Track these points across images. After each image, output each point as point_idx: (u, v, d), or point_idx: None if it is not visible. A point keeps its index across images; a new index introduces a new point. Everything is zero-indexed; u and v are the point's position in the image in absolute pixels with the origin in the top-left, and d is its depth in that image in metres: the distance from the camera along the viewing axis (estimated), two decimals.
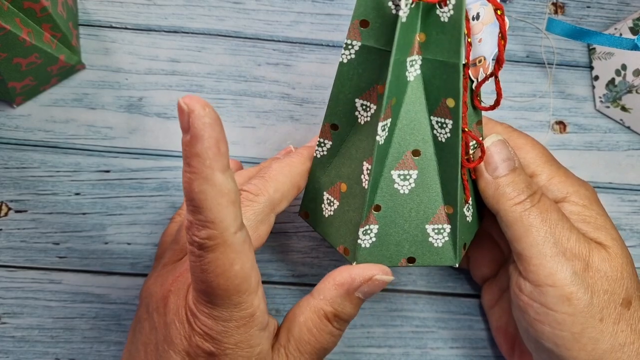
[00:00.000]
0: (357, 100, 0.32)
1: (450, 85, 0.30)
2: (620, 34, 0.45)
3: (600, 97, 0.46)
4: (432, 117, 0.31)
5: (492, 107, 0.32)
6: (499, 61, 0.30)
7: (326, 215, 0.34)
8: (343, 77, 0.31)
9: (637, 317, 0.32)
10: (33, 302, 0.40)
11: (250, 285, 0.28)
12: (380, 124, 0.30)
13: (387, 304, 0.41)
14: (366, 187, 0.31)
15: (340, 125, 0.33)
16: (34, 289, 0.40)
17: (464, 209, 0.33)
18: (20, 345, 0.39)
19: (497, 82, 0.31)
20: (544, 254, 0.31)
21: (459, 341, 0.41)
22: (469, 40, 0.29)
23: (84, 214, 0.42)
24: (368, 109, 0.32)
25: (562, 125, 0.46)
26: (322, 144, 0.34)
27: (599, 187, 0.45)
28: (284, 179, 0.34)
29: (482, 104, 0.32)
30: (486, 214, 0.35)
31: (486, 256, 0.40)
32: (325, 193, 0.34)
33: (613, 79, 0.45)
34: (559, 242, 0.31)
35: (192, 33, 0.46)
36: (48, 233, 0.41)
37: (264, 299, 0.30)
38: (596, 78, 0.47)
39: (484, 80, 0.31)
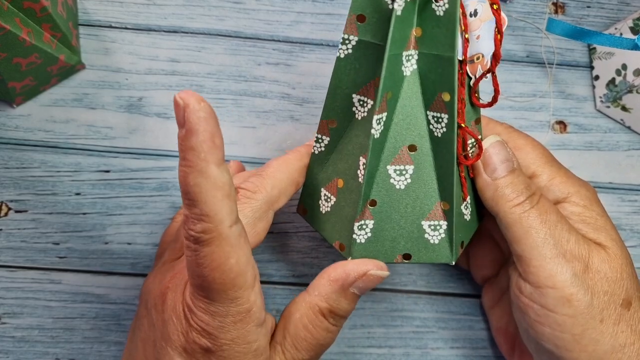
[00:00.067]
0: (354, 95, 0.32)
1: (446, 79, 0.30)
2: (621, 34, 0.45)
3: (600, 97, 0.46)
4: (428, 112, 0.31)
5: (490, 104, 0.32)
6: (495, 57, 0.30)
7: (323, 212, 0.34)
8: (340, 72, 0.32)
9: (637, 317, 0.32)
10: (33, 302, 0.40)
11: (247, 280, 0.28)
12: (376, 117, 0.30)
13: (387, 304, 0.41)
14: (362, 181, 0.31)
15: (338, 120, 0.33)
16: (34, 289, 0.40)
17: (462, 207, 0.33)
18: (20, 345, 0.39)
19: (494, 78, 0.31)
20: (543, 255, 0.31)
21: (460, 341, 0.41)
22: (467, 36, 0.29)
23: (84, 214, 0.42)
24: (365, 105, 0.32)
25: (562, 125, 0.46)
26: (320, 140, 0.34)
27: (599, 187, 0.45)
28: (281, 175, 0.34)
29: (480, 101, 0.32)
30: (486, 213, 0.35)
31: (487, 256, 0.40)
32: (322, 189, 0.34)
33: (613, 79, 0.45)
34: (558, 243, 0.31)
35: (192, 33, 0.46)
36: (48, 233, 0.41)
37: (261, 296, 0.30)
38: (596, 78, 0.46)
39: (481, 77, 0.31)
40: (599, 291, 0.31)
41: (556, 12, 0.48)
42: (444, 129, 0.31)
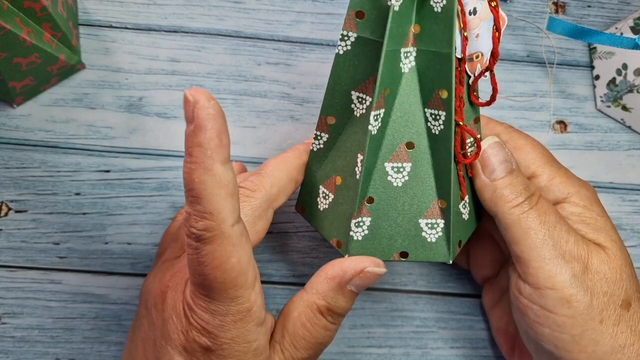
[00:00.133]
0: (353, 92, 0.32)
1: (444, 76, 0.30)
2: (621, 33, 0.45)
3: (601, 97, 0.46)
4: (426, 109, 0.31)
5: (489, 103, 0.32)
6: (494, 55, 0.30)
7: (321, 209, 0.34)
8: (339, 68, 0.32)
9: (637, 318, 0.32)
10: (33, 302, 0.40)
11: (247, 279, 0.28)
12: (373, 114, 0.30)
13: (387, 304, 0.41)
14: (359, 178, 0.31)
15: (337, 117, 0.33)
16: (34, 289, 0.40)
17: (460, 206, 0.33)
18: (20, 345, 0.39)
19: (492, 77, 0.31)
20: (542, 256, 0.31)
21: (460, 341, 0.41)
22: (465, 34, 0.29)
23: (84, 214, 0.42)
24: (364, 102, 0.32)
25: (562, 124, 0.46)
26: (319, 137, 0.34)
27: (599, 187, 0.45)
28: (280, 174, 0.34)
29: (479, 100, 0.32)
30: (485, 213, 0.35)
31: (487, 256, 0.40)
32: (321, 187, 0.34)
33: (614, 79, 0.45)
34: (557, 244, 0.31)
35: (192, 33, 0.46)
36: (48, 233, 0.41)
37: (262, 295, 0.30)
38: (597, 77, 0.46)
39: (480, 75, 0.31)
40: (599, 292, 0.31)
41: (557, 11, 0.48)
42: (442, 127, 0.31)
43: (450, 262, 0.33)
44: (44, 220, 0.41)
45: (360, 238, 0.32)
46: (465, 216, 0.34)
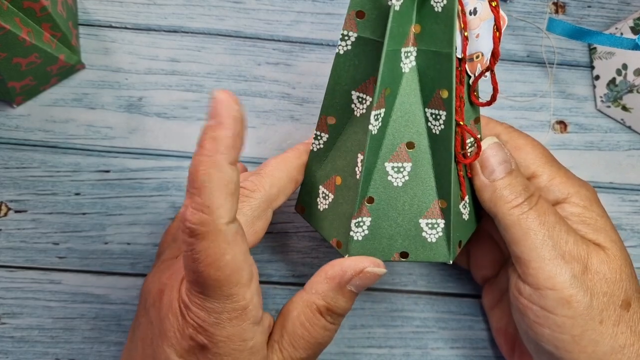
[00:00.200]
0: (353, 92, 0.32)
1: (444, 76, 0.30)
2: (621, 34, 0.45)
3: (601, 97, 0.46)
4: (426, 109, 0.31)
5: (489, 103, 0.32)
6: (494, 55, 0.30)
7: (321, 209, 0.34)
8: (339, 68, 0.32)
9: (637, 318, 0.32)
10: (33, 303, 0.40)
11: (242, 277, 0.28)
12: (374, 113, 0.30)
13: (387, 305, 0.41)
14: (359, 178, 0.31)
15: (337, 117, 0.33)
16: (34, 289, 0.40)
17: (460, 206, 0.33)
18: (20, 345, 0.39)
19: (493, 76, 0.31)
20: (542, 257, 0.31)
21: (460, 341, 0.41)
22: (466, 34, 0.29)
23: (83, 214, 0.42)
24: (364, 101, 0.32)
25: (562, 125, 0.46)
26: (319, 137, 0.34)
27: (599, 187, 0.45)
28: (280, 174, 0.34)
29: (479, 100, 0.32)
30: (485, 214, 0.35)
31: (487, 257, 0.40)
32: (320, 187, 0.34)
33: (614, 79, 0.45)
34: (557, 244, 0.31)
35: (192, 33, 0.46)
36: (48, 233, 0.41)
37: (259, 294, 0.30)
38: (597, 78, 0.46)
39: (480, 75, 0.31)
40: (598, 292, 0.31)
41: (557, 11, 0.48)
42: (442, 126, 0.31)
43: (451, 262, 0.33)
44: (44, 220, 0.41)
45: (360, 238, 0.32)
46: (466, 216, 0.34)
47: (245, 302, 0.29)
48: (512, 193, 0.32)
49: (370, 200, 0.32)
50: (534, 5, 0.48)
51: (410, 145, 0.32)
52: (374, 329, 0.41)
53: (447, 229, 0.32)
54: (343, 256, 0.32)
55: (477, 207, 0.35)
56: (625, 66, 0.44)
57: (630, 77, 0.44)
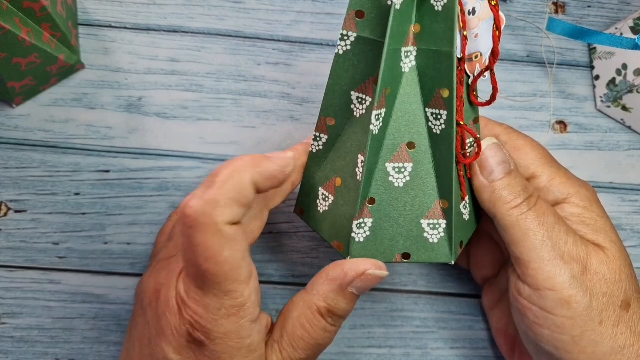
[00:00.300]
0: (352, 92, 0.32)
1: (445, 75, 0.30)
2: (621, 34, 0.45)
3: (601, 97, 0.46)
4: (427, 109, 0.31)
5: (488, 103, 0.32)
6: (494, 54, 0.30)
7: (321, 211, 0.34)
8: (339, 68, 0.32)
9: (637, 319, 0.32)
10: (33, 303, 0.40)
11: (241, 274, 0.28)
12: (375, 113, 0.30)
13: (387, 305, 0.41)
14: (360, 179, 0.31)
15: (336, 118, 0.33)
16: (34, 289, 0.40)
17: (461, 206, 0.33)
18: (20, 345, 0.39)
19: (492, 76, 0.31)
20: (542, 257, 0.31)
21: (460, 341, 0.41)
22: (465, 34, 0.29)
23: (83, 214, 0.41)
24: (364, 102, 0.31)
25: (562, 125, 0.46)
26: (318, 138, 0.34)
27: (599, 187, 0.44)
28: None
29: (479, 100, 0.32)
30: (485, 214, 0.35)
31: (487, 257, 0.40)
32: (320, 188, 0.34)
33: (614, 79, 0.45)
34: (556, 245, 0.31)
35: (191, 33, 0.46)
36: (48, 233, 0.41)
37: (257, 293, 0.30)
38: (597, 78, 0.46)
39: (480, 74, 0.31)
40: (598, 293, 0.31)
41: (556, 11, 0.48)
42: (443, 126, 0.31)
43: (453, 262, 0.33)
44: (44, 220, 0.41)
45: (361, 240, 0.32)
46: (466, 217, 0.34)
47: (243, 300, 0.29)
48: (511, 194, 0.32)
49: (372, 201, 0.32)
50: (534, 5, 0.48)
51: (411, 145, 0.32)
52: (374, 329, 0.41)
53: (448, 229, 0.32)
54: (344, 258, 0.32)
55: (477, 207, 0.35)
56: (625, 66, 0.44)
57: (630, 77, 0.44)
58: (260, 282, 0.31)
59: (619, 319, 0.31)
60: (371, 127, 0.30)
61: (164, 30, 0.45)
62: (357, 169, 0.31)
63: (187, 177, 0.42)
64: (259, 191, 0.30)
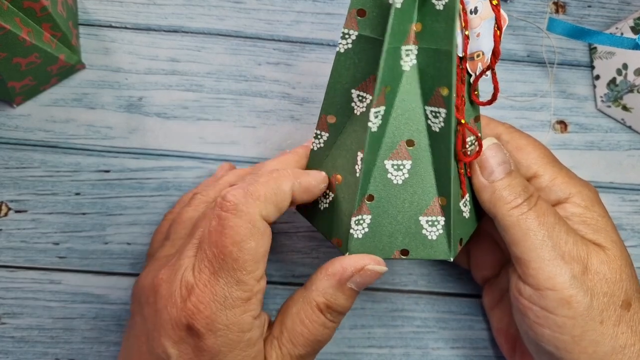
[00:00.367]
0: (353, 90, 0.32)
1: (444, 74, 0.30)
2: (622, 34, 0.45)
3: (601, 97, 0.46)
4: (426, 107, 0.31)
5: (490, 102, 0.32)
6: (495, 53, 0.30)
7: (321, 208, 0.34)
8: (340, 66, 0.32)
9: (637, 318, 0.32)
10: (33, 303, 0.40)
11: (257, 269, 0.29)
12: (373, 111, 0.30)
13: (388, 304, 0.41)
14: (359, 176, 0.31)
15: (337, 116, 0.33)
16: (34, 289, 0.40)
17: (460, 204, 0.33)
18: (20, 345, 0.39)
19: (493, 75, 0.31)
20: (542, 257, 0.31)
21: (460, 341, 0.41)
22: (467, 33, 0.30)
23: (83, 214, 0.41)
24: (364, 100, 0.32)
25: (563, 124, 0.46)
26: (319, 136, 0.34)
27: (600, 187, 0.44)
28: None
29: (480, 99, 0.32)
30: (486, 213, 0.35)
31: (487, 257, 0.40)
32: None
33: (614, 79, 0.45)
34: (557, 245, 0.31)
35: (192, 33, 0.46)
36: (48, 233, 0.41)
37: (263, 293, 0.31)
38: (597, 77, 0.46)
39: (481, 74, 0.31)
40: (599, 292, 0.31)
41: (557, 11, 0.48)
42: (442, 124, 0.31)
43: (452, 259, 0.33)
44: (44, 220, 0.41)
45: (360, 236, 0.32)
46: (466, 214, 0.34)
47: (250, 294, 0.30)
48: (512, 194, 0.32)
49: (370, 197, 0.32)
50: (534, 5, 0.48)
51: (410, 143, 0.32)
52: (375, 329, 0.41)
53: (447, 226, 0.32)
54: (343, 254, 0.32)
55: (478, 206, 0.35)
56: (625, 66, 0.44)
57: (631, 77, 0.44)
58: None
59: (619, 318, 0.31)
60: (369, 124, 0.30)
61: (164, 30, 0.45)
62: (356, 166, 0.32)
63: (187, 177, 0.42)
64: (293, 201, 0.32)
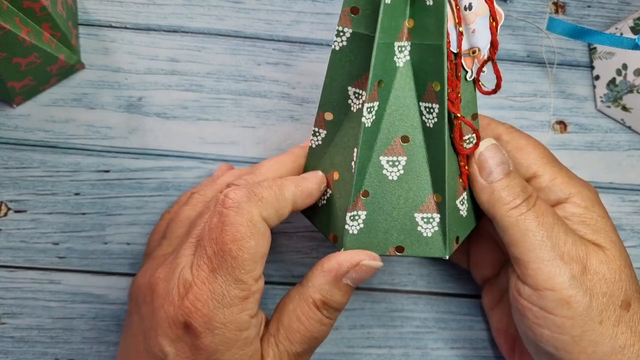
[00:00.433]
0: (349, 88, 0.32)
1: (436, 69, 0.30)
2: (621, 34, 0.45)
3: (601, 97, 0.46)
4: (421, 103, 0.32)
5: (494, 91, 0.32)
6: (493, 44, 0.30)
7: (320, 205, 0.34)
8: (335, 64, 0.32)
9: (637, 319, 0.32)
10: (33, 303, 0.40)
11: (255, 269, 0.30)
12: (366, 106, 0.30)
13: (387, 305, 0.41)
14: (354, 171, 0.31)
15: (334, 113, 0.33)
16: (34, 289, 0.40)
17: (457, 202, 0.33)
18: (20, 345, 0.39)
19: (494, 65, 0.32)
20: (541, 258, 0.31)
21: (460, 342, 0.41)
22: (461, 29, 0.30)
23: (83, 214, 0.41)
24: (360, 97, 0.32)
25: (562, 125, 0.46)
26: (317, 134, 0.34)
27: (599, 187, 0.44)
28: (273, 175, 0.35)
29: (484, 88, 0.32)
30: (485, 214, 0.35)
31: (487, 257, 0.40)
32: None
33: (614, 79, 0.45)
34: (556, 245, 0.31)
35: (191, 33, 0.46)
36: (48, 233, 0.41)
37: (261, 293, 0.31)
38: (597, 78, 0.46)
39: (482, 65, 0.32)
40: (598, 293, 0.31)
41: (557, 11, 0.48)
42: (435, 119, 0.31)
43: (447, 257, 0.33)
44: (44, 220, 0.41)
45: (355, 232, 0.32)
46: (464, 213, 0.34)
47: (248, 293, 0.30)
48: (510, 194, 0.32)
49: (366, 193, 0.32)
50: (534, 5, 0.48)
51: (405, 139, 0.32)
52: (374, 329, 0.41)
53: (442, 223, 0.32)
54: (339, 250, 0.33)
55: (477, 205, 0.35)
56: (625, 66, 0.44)
57: (630, 77, 0.44)
58: None
59: (619, 318, 0.31)
60: (363, 119, 0.30)
61: (164, 30, 0.45)
62: (352, 163, 0.32)
63: (187, 177, 0.42)
64: (295, 208, 0.32)
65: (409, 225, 0.33)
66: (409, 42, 0.31)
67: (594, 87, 0.47)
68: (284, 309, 0.32)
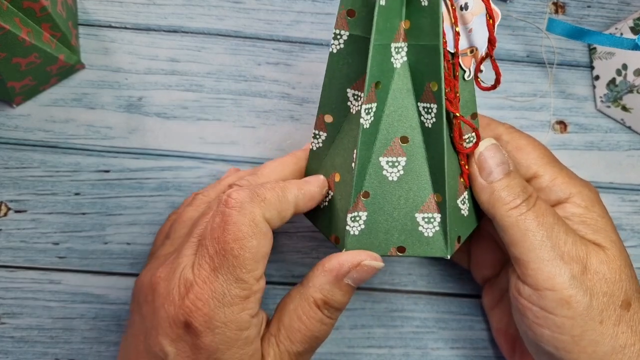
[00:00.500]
0: (348, 90, 0.32)
1: (433, 68, 0.30)
2: (621, 34, 0.45)
3: (601, 97, 0.46)
4: (419, 104, 0.32)
5: (494, 87, 0.32)
6: (491, 41, 0.31)
7: (321, 207, 0.35)
8: (333, 67, 0.32)
9: (637, 318, 0.32)
10: (33, 303, 0.40)
11: (256, 268, 0.30)
12: (364, 107, 0.30)
13: (387, 305, 0.41)
14: (354, 173, 0.31)
15: (334, 115, 0.33)
16: (34, 289, 0.40)
17: (458, 201, 0.33)
18: (20, 345, 0.39)
19: (493, 62, 0.32)
20: (541, 258, 0.31)
21: (460, 342, 0.41)
22: (457, 29, 0.30)
23: (83, 214, 0.41)
24: (359, 98, 0.32)
25: (562, 125, 0.46)
26: (317, 136, 0.34)
27: (599, 187, 0.44)
28: (275, 177, 0.35)
29: (483, 84, 0.32)
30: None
31: (487, 256, 0.40)
32: None
33: (614, 79, 0.45)
34: (556, 245, 0.31)
35: (191, 33, 0.46)
36: (48, 233, 0.41)
37: (261, 293, 0.31)
38: (597, 78, 0.46)
39: (481, 61, 0.32)
40: (598, 292, 0.31)
41: (556, 11, 0.48)
42: (434, 119, 0.31)
43: (448, 257, 0.33)
44: (44, 220, 0.41)
45: (356, 233, 0.33)
46: (465, 212, 0.34)
47: (249, 293, 0.30)
48: (510, 194, 0.32)
49: (366, 194, 0.32)
50: (534, 5, 0.48)
51: (404, 139, 0.32)
52: (374, 329, 0.41)
53: (443, 223, 0.33)
54: (340, 251, 0.33)
55: (478, 205, 0.35)
56: (625, 66, 0.44)
57: (630, 77, 0.44)
58: None
59: (619, 318, 0.31)
60: (361, 120, 0.30)
61: (164, 30, 0.45)
62: (352, 164, 0.32)
63: (187, 177, 0.42)
64: (297, 211, 0.32)
65: (410, 226, 0.33)
66: (406, 43, 0.31)
67: (594, 87, 0.47)
68: (285, 308, 0.32)
